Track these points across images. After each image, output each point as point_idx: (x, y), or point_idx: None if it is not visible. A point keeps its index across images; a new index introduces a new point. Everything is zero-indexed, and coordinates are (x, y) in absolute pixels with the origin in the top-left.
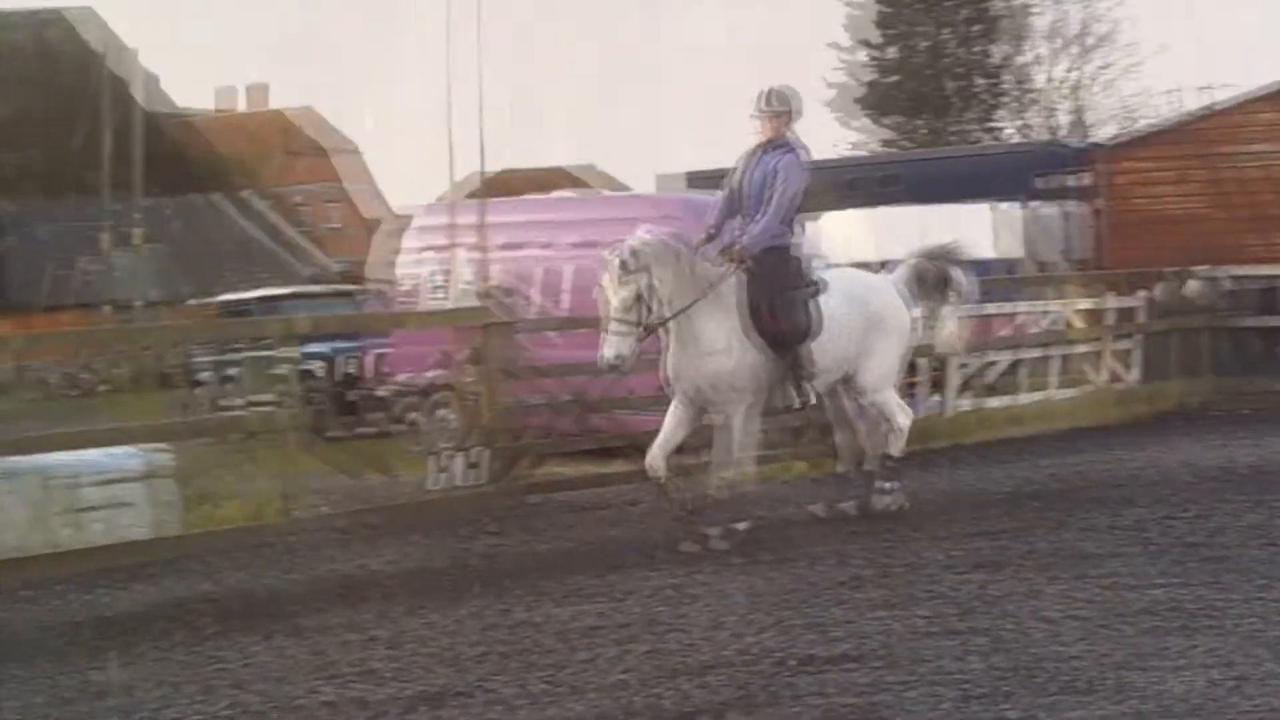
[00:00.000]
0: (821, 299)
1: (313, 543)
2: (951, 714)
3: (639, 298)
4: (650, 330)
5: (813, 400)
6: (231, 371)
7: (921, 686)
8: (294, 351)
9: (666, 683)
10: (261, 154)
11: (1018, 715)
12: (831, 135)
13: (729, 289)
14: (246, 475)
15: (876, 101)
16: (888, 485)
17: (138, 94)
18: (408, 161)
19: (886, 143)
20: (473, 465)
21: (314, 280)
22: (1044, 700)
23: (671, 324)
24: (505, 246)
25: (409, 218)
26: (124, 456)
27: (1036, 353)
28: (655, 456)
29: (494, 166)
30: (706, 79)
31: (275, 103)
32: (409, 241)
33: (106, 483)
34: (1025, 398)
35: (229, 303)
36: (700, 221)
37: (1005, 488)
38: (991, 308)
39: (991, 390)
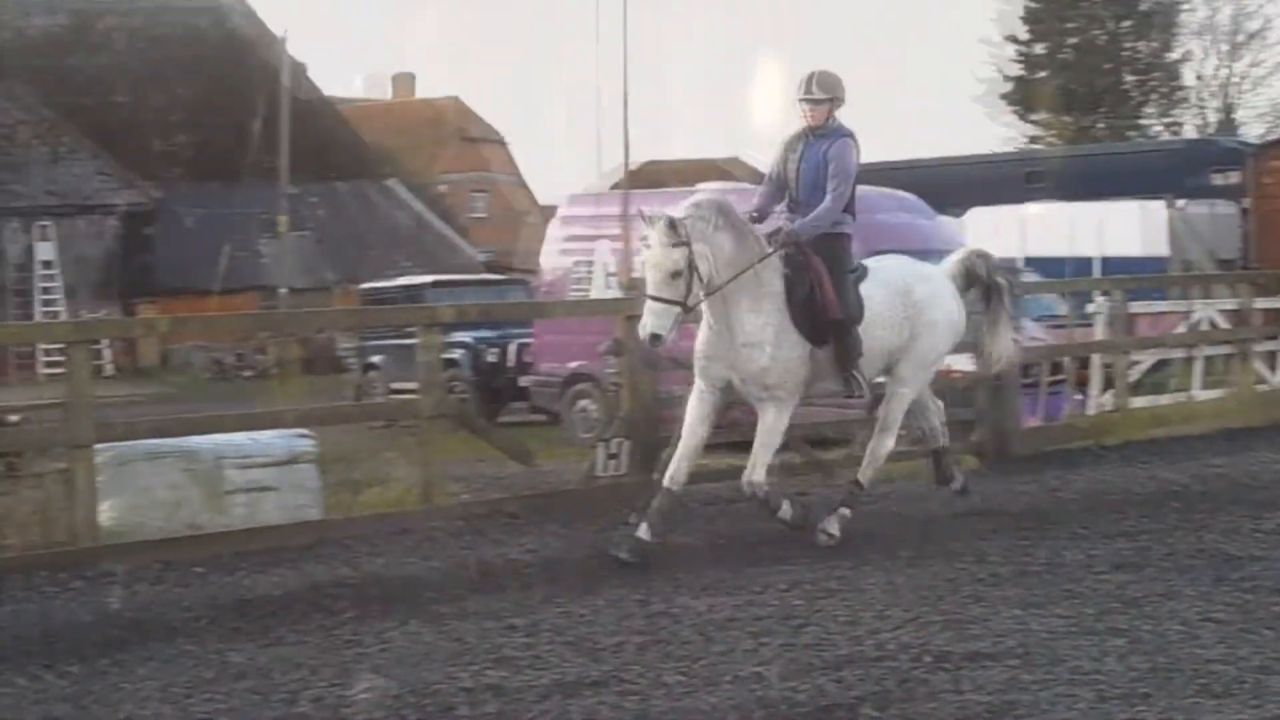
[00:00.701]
0: (863, 287)
1: (452, 530)
2: (1087, 714)
3: (684, 269)
4: (694, 307)
5: (865, 392)
6: (375, 359)
7: (1057, 686)
8: (438, 340)
9: (802, 677)
10: (408, 143)
11: (1154, 717)
12: (980, 131)
13: (771, 274)
14: (388, 462)
15: (1023, 97)
16: (842, 511)
17: (285, 82)
18: (553, 152)
19: (1033, 139)
20: (613, 456)
21: (458, 269)
22: (1180, 702)
23: (708, 300)
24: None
25: (554, 208)
26: (268, 441)
27: (1180, 353)
28: (678, 469)
29: (639, 158)
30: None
31: (421, 92)
32: (554, 232)
33: (250, 466)
34: (1168, 398)
35: (372, 290)
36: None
37: (1147, 488)
38: (1138, 307)
39: (1135, 390)
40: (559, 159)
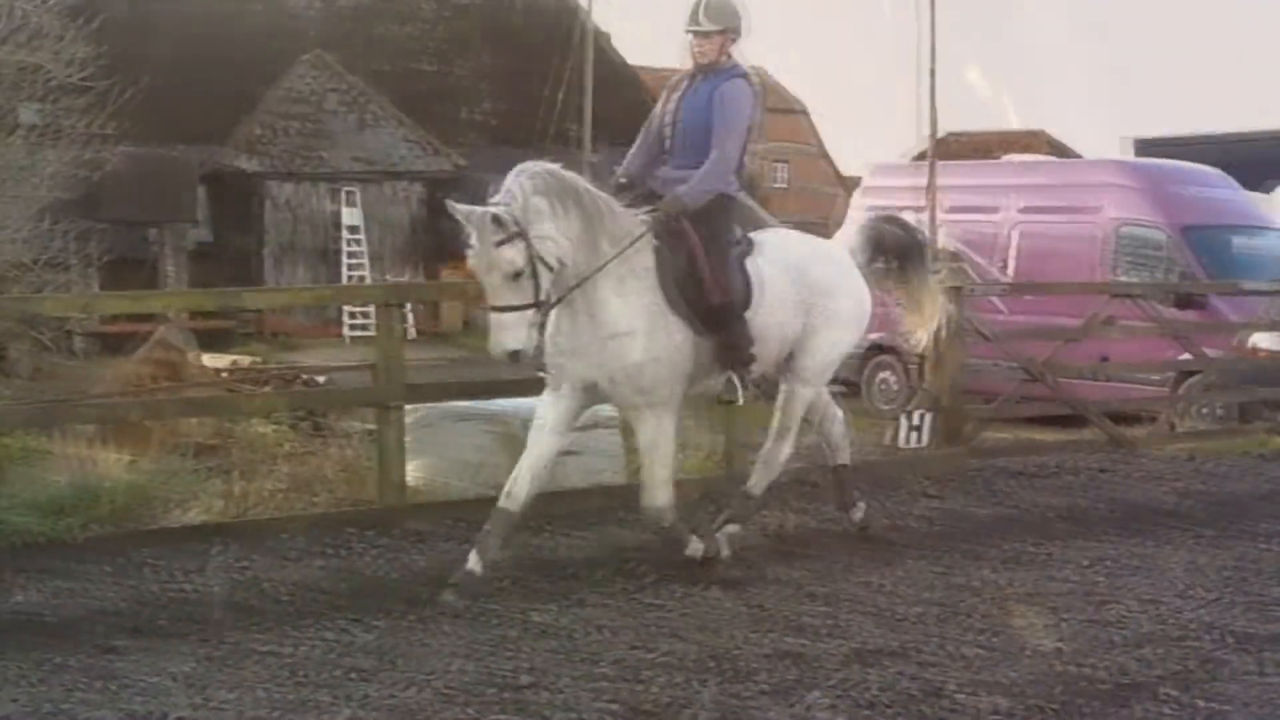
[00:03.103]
0: (750, 262)
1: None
2: None
3: (524, 265)
4: (554, 304)
5: (746, 393)
6: None
7: None
8: None
9: (1101, 653)
10: None
11: None
12: None
13: (643, 251)
14: (689, 429)
15: None
16: (730, 529)
17: (589, 50)
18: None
19: None
20: (915, 428)
21: None
22: None
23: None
24: (953, 210)
25: (858, 179)
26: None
27: None
28: (519, 487)
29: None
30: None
31: None
32: (857, 202)
33: (586, 429)
34: None
35: None
36: (1158, 190)
37: None
38: None
39: None
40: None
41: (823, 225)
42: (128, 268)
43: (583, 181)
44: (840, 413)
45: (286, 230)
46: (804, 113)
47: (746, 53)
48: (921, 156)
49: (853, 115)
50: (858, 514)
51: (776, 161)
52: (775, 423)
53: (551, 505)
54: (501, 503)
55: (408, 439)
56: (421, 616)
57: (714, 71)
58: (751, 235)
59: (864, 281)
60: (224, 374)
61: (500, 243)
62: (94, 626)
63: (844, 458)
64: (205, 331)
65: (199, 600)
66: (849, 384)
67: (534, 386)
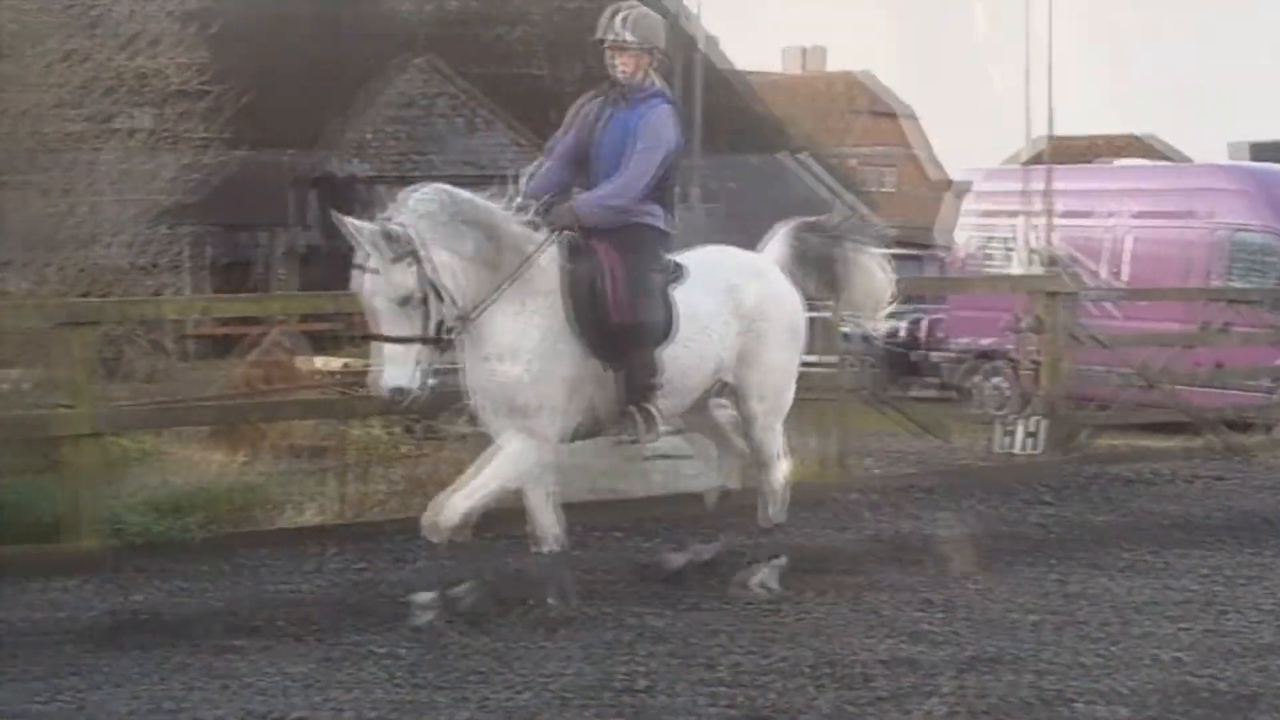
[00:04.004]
0: (677, 291)
1: (869, 502)
2: None
3: (416, 290)
4: (449, 339)
5: (658, 431)
6: None
7: None
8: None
9: (1222, 663)
10: (821, 115)
11: None
12: None
13: (544, 267)
14: (804, 433)
15: None
16: (758, 564)
17: (699, 55)
18: (961, 126)
19: None
20: (1031, 434)
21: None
22: None
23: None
24: (1066, 214)
25: (968, 183)
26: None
27: None
28: (442, 505)
29: (1050, 133)
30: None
31: (832, 66)
32: (969, 206)
33: (670, 433)
34: None
35: None
36: (1270, 195)
37: None
38: None
39: None
40: (967, 134)
41: (927, 230)
42: (238, 271)
43: (481, 200)
44: (740, 443)
45: None
46: (911, 116)
47: (850, 60)
48: (1032, 161)
49: (944, 118)
50: (705, 550)
51: (884, 166)
52: (756, 457)
53: (667, 509)
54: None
55: None
56: (537, 619)
57: (633, 95)
58: (678, 258)
59: (796, 294)
60: (337, 376)
61: (392, 261)
62: (213, 626)
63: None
64: (315, 334)
65: (316, 601)
66: (958, 388)
67: None
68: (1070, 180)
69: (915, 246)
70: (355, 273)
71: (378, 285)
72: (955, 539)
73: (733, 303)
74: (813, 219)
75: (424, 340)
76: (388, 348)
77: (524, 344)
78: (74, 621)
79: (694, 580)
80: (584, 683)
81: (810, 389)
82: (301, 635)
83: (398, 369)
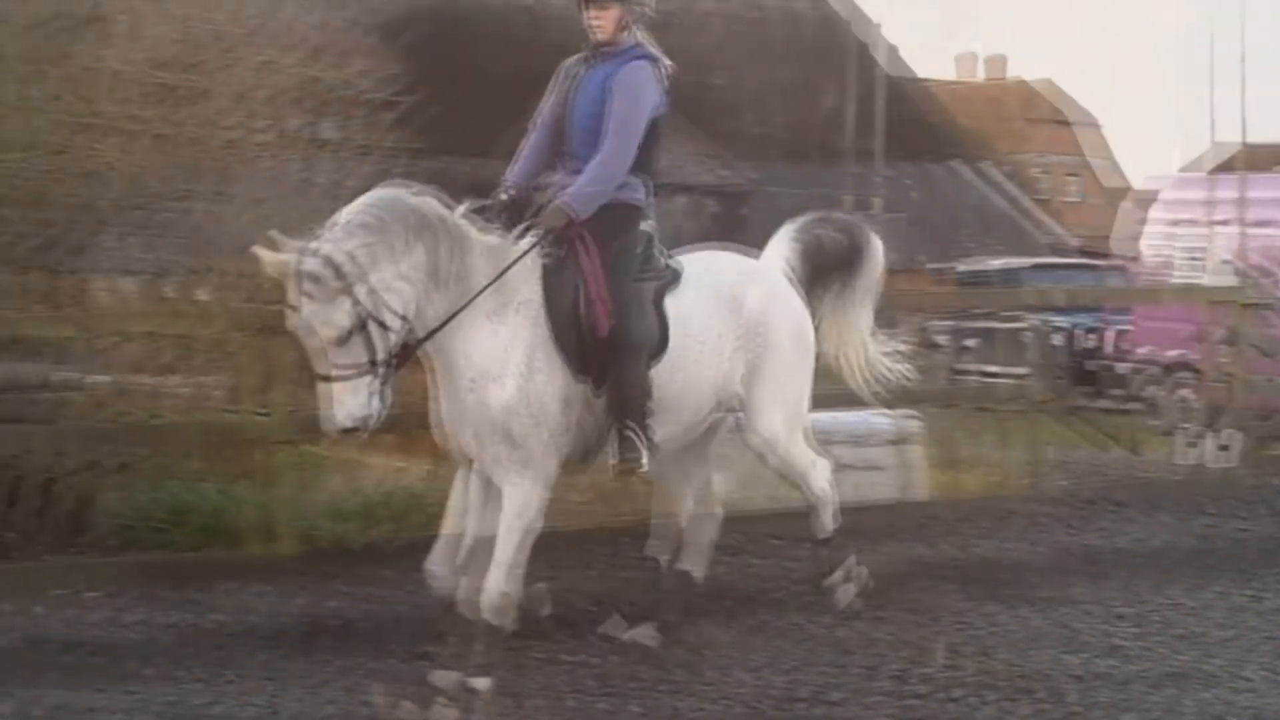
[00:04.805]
0: (670, 299)
1: (1058, 515)
2: None
3: (353, 326)
4: (400, 364)
5: (646, 461)
6: (968, 342)
7: None
8: (1041, 323)
9: None
10: (1001, 123)
11: None
12: None
13: (522, 278)
14: (990, 444)
15: None
16: (834, 575)
17: (881, 64)
18: (1142, 134)
19: None
20: (1223, 447)
21: (1052, 252)
22: None
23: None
24: (1256, 224)
25: (1153, 191)
26: (877, 420)
27: None
28: (434, 562)
29: (1231, 139)
30: None
31: (1012, 74)
32: (1155, 215)
33: (860, 445)
34: None
35: (968, 272)
36: None
37: None
38: None
39: None
40: (1147, 140)
41: (1108, 239)
42: None
43: (438, 206)
44: (706, 471)
45: None
46: (1092, 125)
47: (1031, 68)
48: (1220, 168)
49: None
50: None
51: (1069, 175)
52: (786, 476)
53: (857, 519)
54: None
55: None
56: (728, 629)
57: (611, 54)
58: (673, 262)
59: (803, 304)
60: None
61: (320, 302)
62: (405, 633)
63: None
64: None
65: None
66: (1145, 400)
67: (856, 399)
68: (1263, 188)
69: (1096, 256)
70: (286, 309)
71: (308, 326)
72: (1147, 552)
73: (732, 311)
74: (817, 214)
75: (372, 368)
76: (333, 386)
77: (508, 366)
78: (266, 626)
79: (890, 591)
80: (774, 693)
81: (1000, 399)
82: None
83: (348, 403)
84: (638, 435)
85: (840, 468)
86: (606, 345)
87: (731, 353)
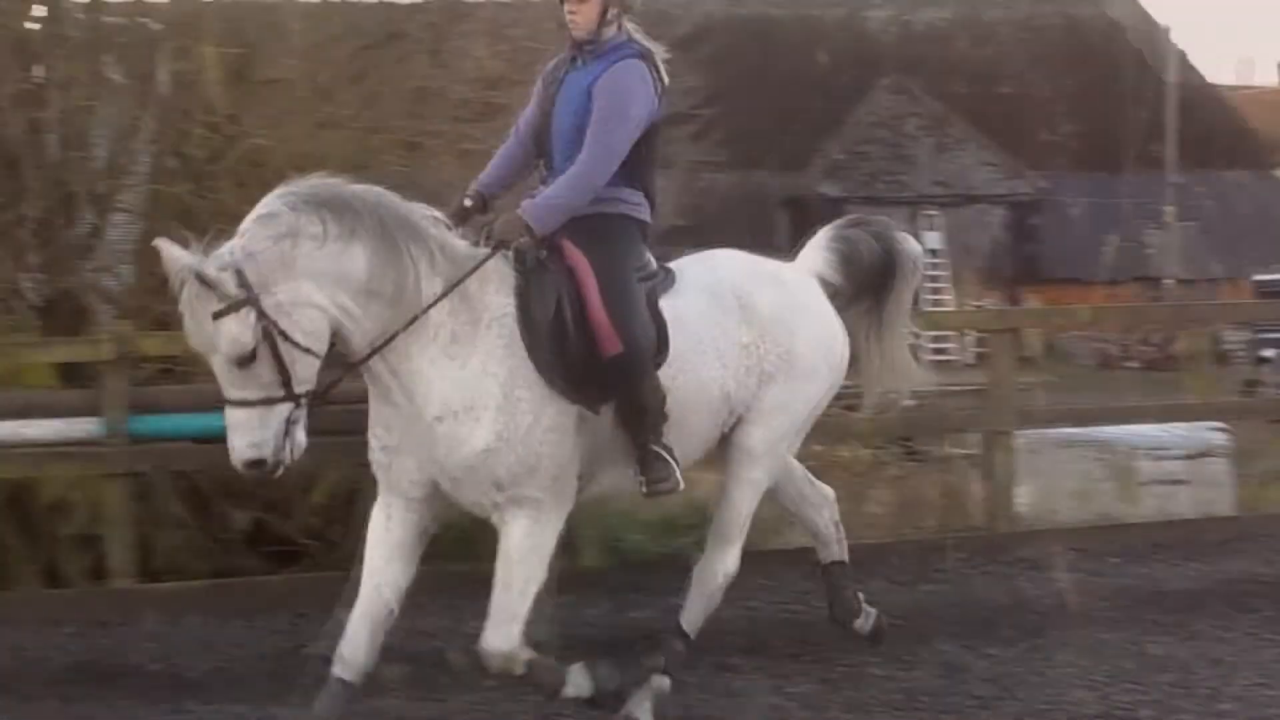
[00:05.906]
0: (666, 301)
1: None
2: None
3: (256, 343)
4: (322, 393)
5: (675, 478)
6: (1267, 353)
7: None
8: None
9: None
10: None
11: None
12: None
13: (490, 286)
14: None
15: None
16: (656, 681)
17: (1169, 70)
18: None
19: None
20: None
21: None
22: None
23: (375, 361)
24: None
25: None
26: (1182, 433)
27: None
28: (354, 644)
29: None
30: None
31: None
32: None
33: (1164, 458)
34: None
35: (1265, 282)
36: None
37: None
38: None
39: None
40: None
41: None
42: None
43: (389, 199)
44: (828, 491)
45: None
46: None
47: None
48: None
49: None
50: (865, 623)
51: None
52: (715, 524)
53: (1162, 534)
54: (336, 671)
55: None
56: (1034, 645)
57: (597, 54)
58: (672, 264)
59: (833, 312)
60: None
61: (217, 315)
62: (710, 644)
63: (836, 553)
64: None
65: (812, 623)
66: None
67: (1155, 413)
68: None
69: None
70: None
71: (204, 342)
72: None
73: (741, 313)
74: (853, 217)
75: (282, 399)
76: (234, 413)
77: (479, 397)
78: (574, 637)
79: (1195, 608)
80: (1086, 711)
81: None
82: (798, 655)
83: (247, 436)
84: (665, 451)
85: (1145, 481)
86: (609, 362)
87: (738, 355)
